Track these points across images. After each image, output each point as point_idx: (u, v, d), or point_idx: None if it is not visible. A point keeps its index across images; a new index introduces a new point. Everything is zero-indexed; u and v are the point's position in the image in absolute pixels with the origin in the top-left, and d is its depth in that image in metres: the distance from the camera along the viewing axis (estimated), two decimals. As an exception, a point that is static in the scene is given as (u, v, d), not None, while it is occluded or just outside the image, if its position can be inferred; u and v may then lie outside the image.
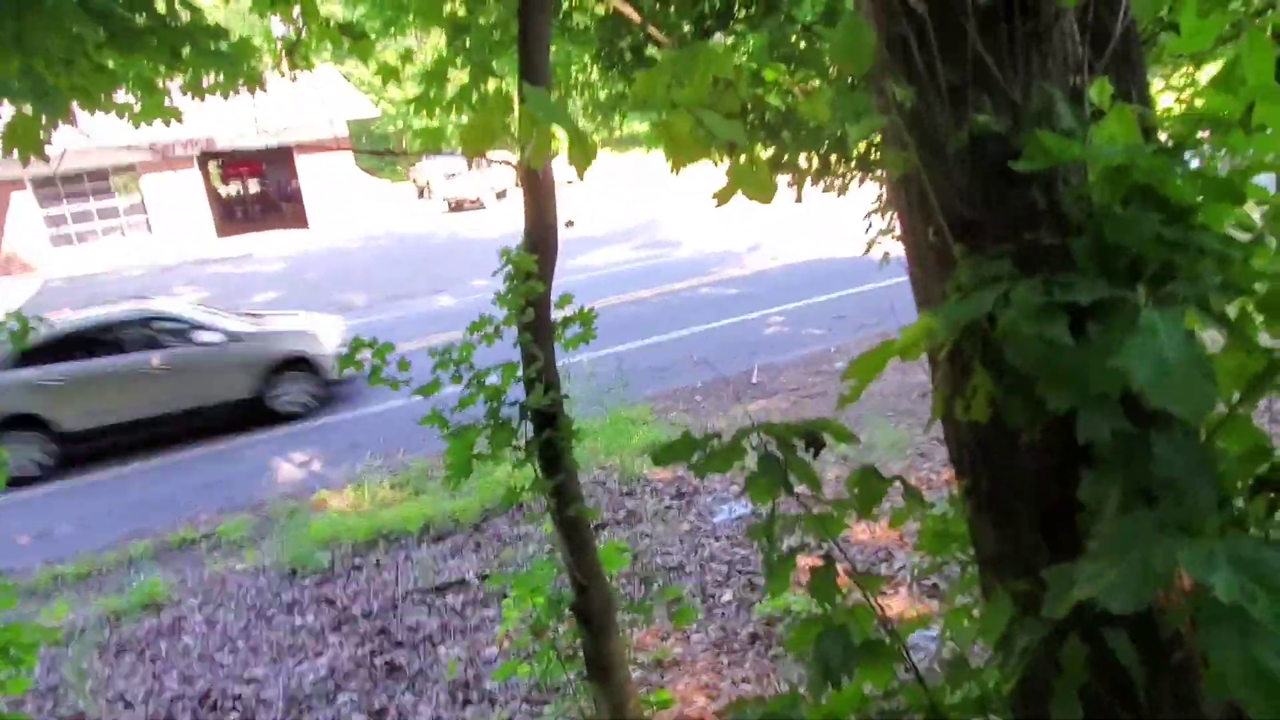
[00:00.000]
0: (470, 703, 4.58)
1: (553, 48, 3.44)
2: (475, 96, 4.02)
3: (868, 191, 6.81)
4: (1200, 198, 1.17)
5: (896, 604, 4.61)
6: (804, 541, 1.84)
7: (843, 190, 6.43)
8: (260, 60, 3.86)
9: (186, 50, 3.25)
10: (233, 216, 31.03)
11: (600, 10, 4.93)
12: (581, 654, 3.86)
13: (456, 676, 4.79)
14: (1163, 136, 1.44)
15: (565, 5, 5.07)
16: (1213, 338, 1.40)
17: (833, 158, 6.11)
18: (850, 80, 5.58)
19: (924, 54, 1.29)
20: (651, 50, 5.75)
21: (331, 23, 3.82)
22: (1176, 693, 1.28)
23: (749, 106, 5.53)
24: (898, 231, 6.90)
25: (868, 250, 6.47)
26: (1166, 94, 5.18)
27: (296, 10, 3.99)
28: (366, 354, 3.48)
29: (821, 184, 6.41)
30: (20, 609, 4.89)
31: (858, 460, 5.78)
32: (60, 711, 4.92)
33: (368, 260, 22.19)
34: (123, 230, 26.84)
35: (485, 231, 23.72)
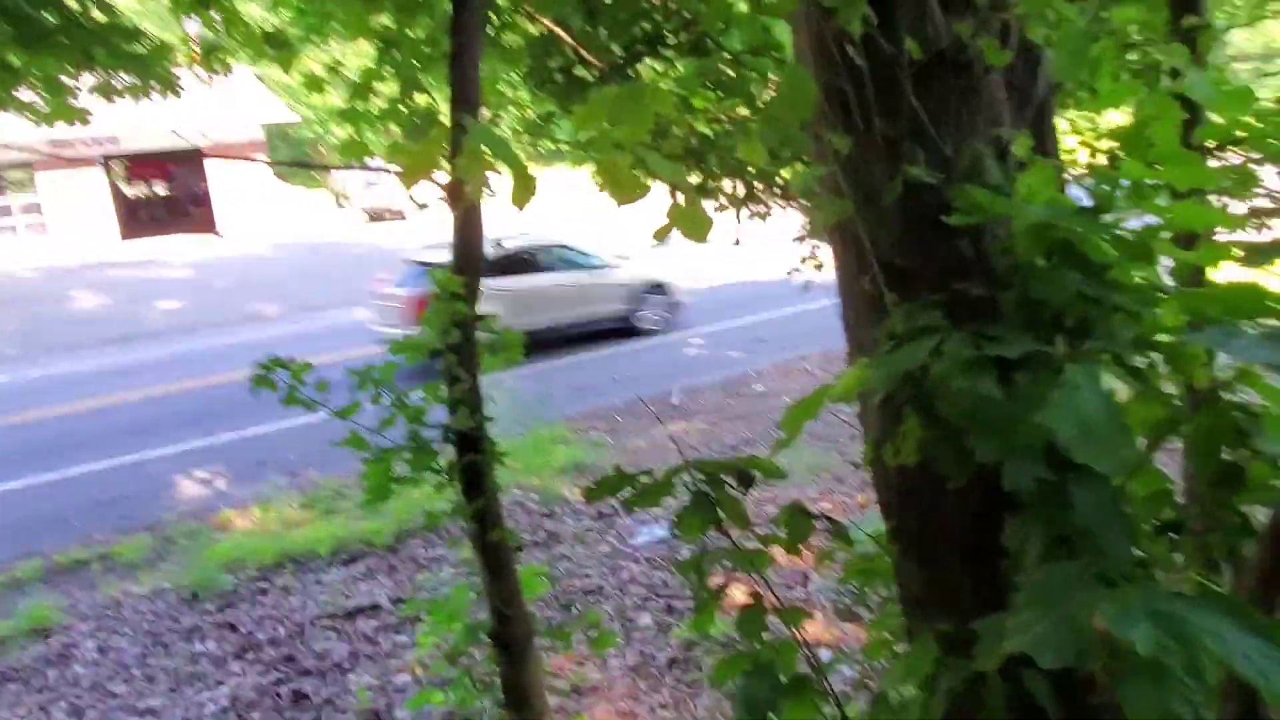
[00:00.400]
0: (381, 733, 4.45)
1: (482, 65, 3.41)
2: (404, 112, 3.95)
3: (791, 217, 6.96)
4: (1116, 256, 1.23)
5: (813, 629, 4.67)
6: (731, 573, 1.84)
7: (766, 216, 6.53)
8: (174, 61, 3.72)
9: (99, 52, 3.11)
10: (138, 219, 29.73)
11: (533, 30, 4.92)
12: (498, 681, 3.80)
13: (367, 706, 4.64)
14: (1068, 177, 1.51)
15: (497, 23, 5.04)
16: (1120, 386, 1.47)
17: (758, 185, 6.22)
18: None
19: (861, 106, 1.32)
20: (582, 71, 5.77)
21: (255, 30, 3.70)
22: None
23: (678, 133, 5.60)
24: (820, 259, 7.04)
25: (790, 275, 6.60)
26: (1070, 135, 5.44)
27: (216, 15, 3.86)
28: (282, 374, 3.37)
29: (747, 211, 6.51)
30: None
31: (773, 484, 5.86)
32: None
33: (281, 269, 21.54)
34: (16, 230, 25.44)
35: (406, 243, 23.28)
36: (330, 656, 5.12)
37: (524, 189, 1.41)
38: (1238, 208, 1.79)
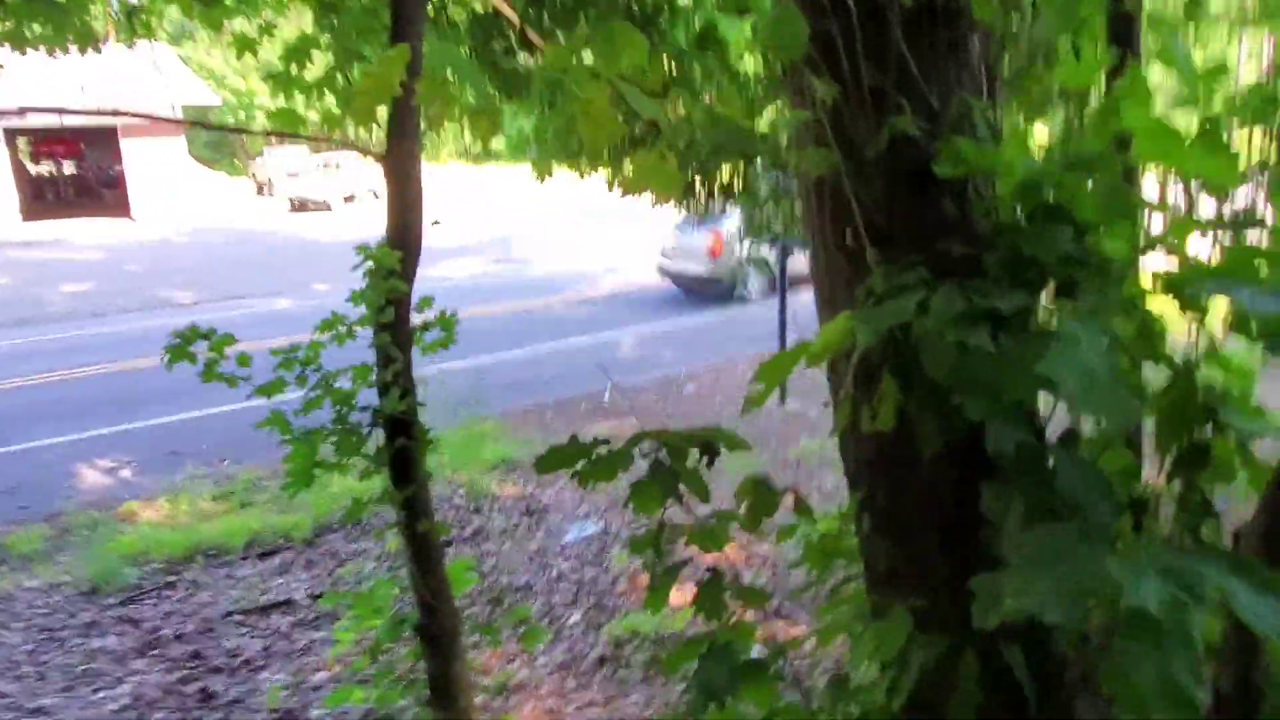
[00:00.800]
0: (294, 733, 4.23)
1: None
2: (340, 82, 3.78)
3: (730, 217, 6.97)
4: (1102, 216, 1.20)
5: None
6: (686, 557, 1.76)
7: (704, 212, 6.53)
8: (93, 16, 3.48)
9: (6, -7, 2.87)
10: (43, 199, 28.21)
11: (477, 8, 4.79)
12: (423, 678, 3.65)
13: (279, 705, 4.42)
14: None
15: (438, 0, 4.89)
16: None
17: (698, 180, 6.19)
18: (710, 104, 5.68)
19: (849, 53, 1.26)
20: (524, 57, 5.65)
21: (181, -15, 3.49)
22: (1066, 712, 1.28)
23: (621, 119, 5.53)
24: (762, 254, 7.05)
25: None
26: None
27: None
28: (201, 346, 3.17)
29: (686, 206, 6.48)
30: None
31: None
32: None
33: (198, 256, 20.71)
34: (-95, 204, 23.93)
35: (330, 235, 22.67)
36: (241, 653, 4.87)
37: (486, 123, 1.31)
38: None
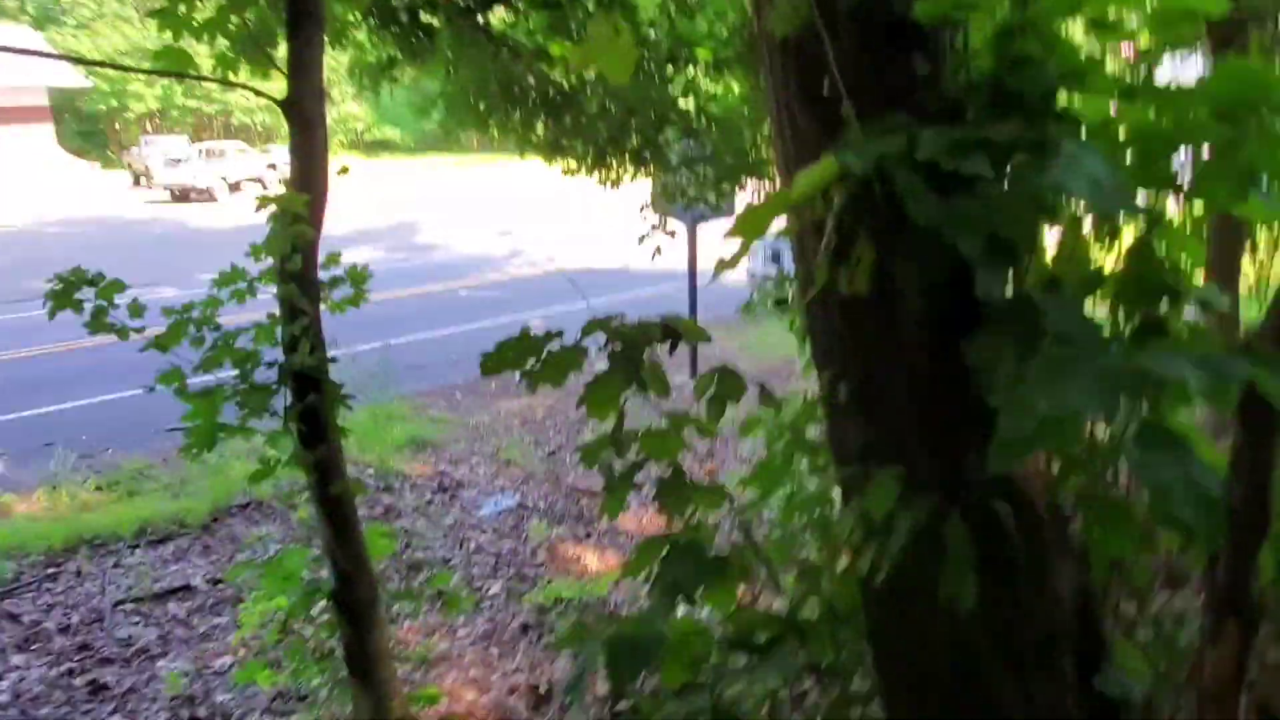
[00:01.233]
0: (197, 719, 3.96)
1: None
2: (233, 24, 3.51)
3: (636, 195, 6.91)
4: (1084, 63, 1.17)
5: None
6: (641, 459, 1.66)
7: (616, 183, 6.43)
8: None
9: None
10: (-112, 188, 25.93)
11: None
12: (338, 652, 3.46)
13: (179, 692, 4.14)
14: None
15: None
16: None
17: (609, 148, 6.11)
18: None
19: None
20: (429, 17, 5.44)
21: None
22: (1045, 570, 1.26)
23: (530, 83, 5.39)
24: (669, 226, 6.98)
25: (641, 241, 6.53)
26: None
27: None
28: (88, 293, 2.91)
29: (596, 175, 6.38)
30: None
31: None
32: None
33: (70, 247, 19.35)
34: None
35: (216, 224, 21.59)
36: (135, 642, 4.54)
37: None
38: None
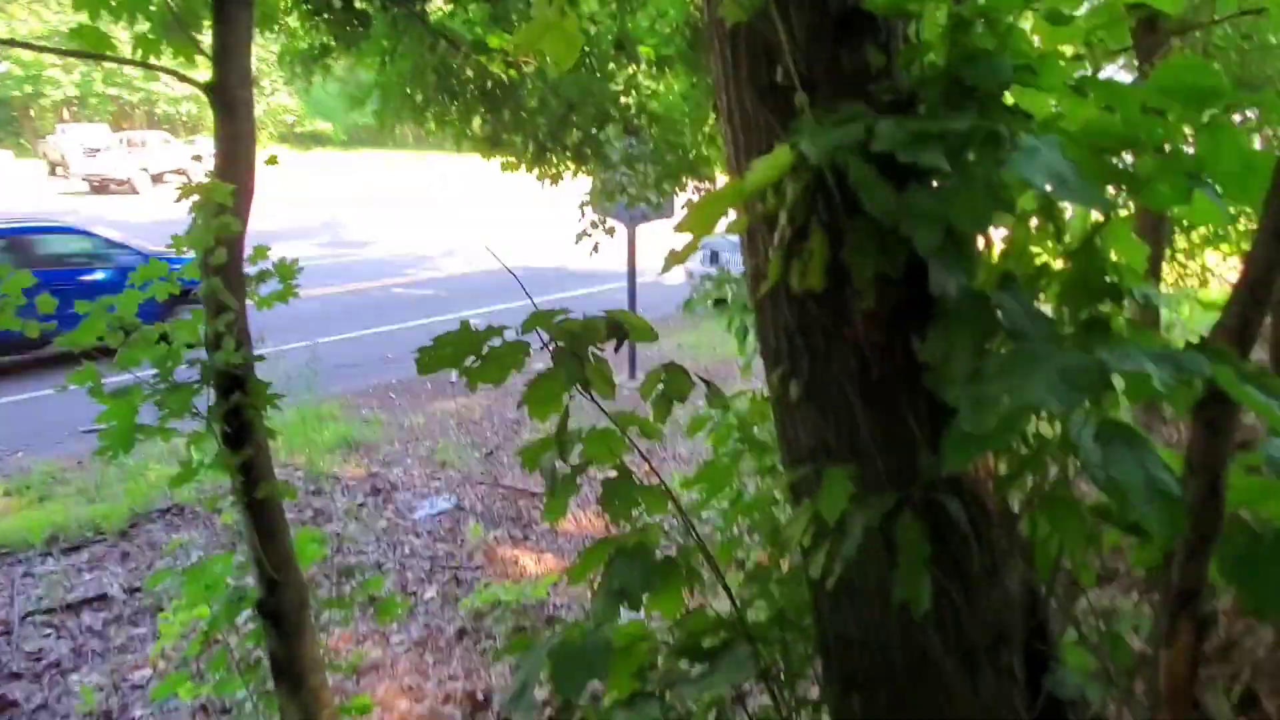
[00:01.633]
0: (114, 736, 3.78)
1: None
2: (153, 4, 3.35)
3: (575, 195, 6.84)
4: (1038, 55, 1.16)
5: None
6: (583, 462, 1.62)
7: (556, 179, 6.36)
8: None
9: None
10: None
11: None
12: (265, 662, 3.32)
13: (94, 708, 3.93)
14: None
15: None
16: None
17: (549, 144, 6.03)
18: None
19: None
20: (362, 4, 5.29)
21: None
22: (999, 568, 1.25)
23: (469, 75, 5.29)
24: (609, 225, 6.94)
25: (579, 240, 6.47)
26: None
27: None
28: (-10, 284, 2.73)
29: (536, 171, 6.30)
30: None
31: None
32: None
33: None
34: None
35: (136, 217, 20.78)
36: (46, 656, 4.31)
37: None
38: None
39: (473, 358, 1.46)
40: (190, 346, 3.02)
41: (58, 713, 3.91)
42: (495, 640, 4.29)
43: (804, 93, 1.19)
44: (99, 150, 26.26)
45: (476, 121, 5.53)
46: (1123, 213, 1.49)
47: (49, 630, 4.55)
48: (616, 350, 1.42)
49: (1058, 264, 1.41)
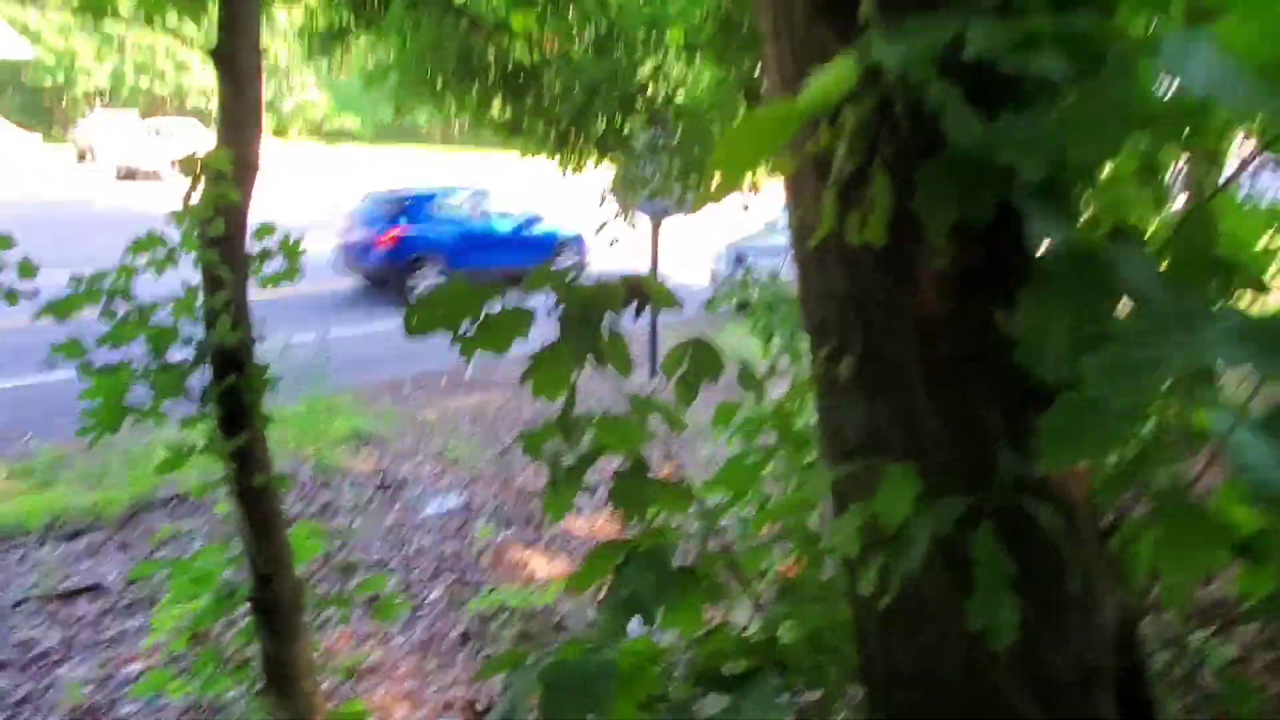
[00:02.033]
0: (99, 733, 3.61)
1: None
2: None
3: (598, 190, 6.65)
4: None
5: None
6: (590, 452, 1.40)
7: (578, 169, 6.17)
8: None
9: None
10: None
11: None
12: (256, 661, 3.15)
13: (80, 702, 3.77)
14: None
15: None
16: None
17: (571, 132, 5.84)
18: (588, 48, 5.33)
19: None
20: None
21: None
22: (1093, 590, 1.03)
23: (490, 58, 5.10)
24: (631, 220, 6.74)
25: (599, 231, 6.28)
26: None
27: None
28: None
29: (557, 159, 6.11)
30: None
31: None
32: None
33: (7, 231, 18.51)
34: None
35: (160, 207, 20.79)
36: (36, 646, 4.15)
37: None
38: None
39: (468, 322, 1.26)
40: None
41: (43, 706, 3.75)
42: (500, 646, 4.09)
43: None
44: (126, 140, 26.42)
45: (497, 105, 5.34)
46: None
47: (41, 619, 4.40)
48: (637, 317, 1.21)
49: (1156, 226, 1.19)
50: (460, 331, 1.26)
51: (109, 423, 2.84)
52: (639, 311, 1.19)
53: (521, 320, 1.25)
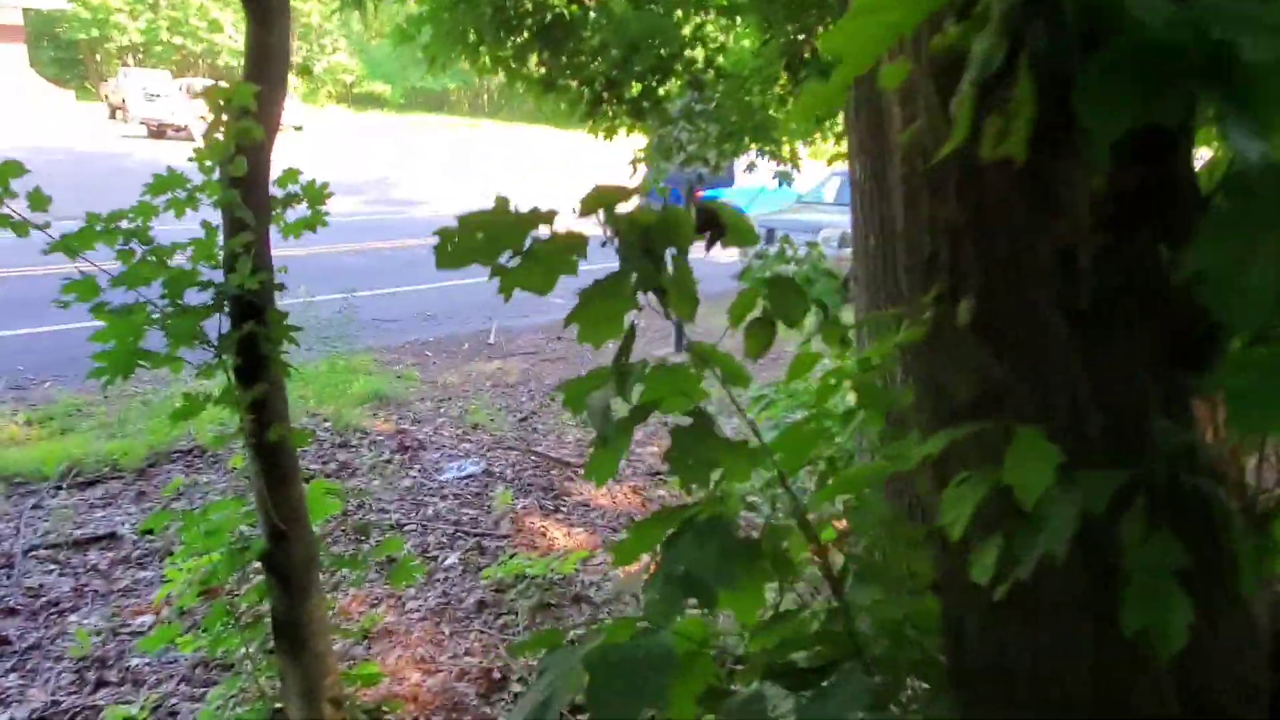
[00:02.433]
0: (106, 684, 3.51)
1: None
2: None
3: (633, 143, 6.45)
4: None
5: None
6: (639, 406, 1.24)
7: (610, 133, 5.96)
8: None
9: None
10: None
11: None
12: (268, 619, 3.04)
13: (89, 652, 3.68)
14: None
15: None
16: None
17: (605, 94, 5.63)
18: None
19: None
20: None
21: None
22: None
23: (528, 7, 4.90)
24: (663, 189, 6.50)
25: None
26: None
27: None
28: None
29: (589, 124, 5.90)
30: None
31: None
32: None
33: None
34: None
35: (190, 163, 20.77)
36: (46, 593, 4.07)
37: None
38: None
39: (510, 253, 1.09)
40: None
41: (50, 654, 3.67)
42: (516, 615, 3.96)
43: None
44: (158, 95, 26.42)
45: (534, 60, 5.14)
46: None
47: (52, 567, 4.32)
48: (708, 249, 1.04)
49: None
50: (500, 263, 1.10)
51: (122, 366, 2.71)
52: (710, 244, 1.02)
53: (572, 250, 1.08)
